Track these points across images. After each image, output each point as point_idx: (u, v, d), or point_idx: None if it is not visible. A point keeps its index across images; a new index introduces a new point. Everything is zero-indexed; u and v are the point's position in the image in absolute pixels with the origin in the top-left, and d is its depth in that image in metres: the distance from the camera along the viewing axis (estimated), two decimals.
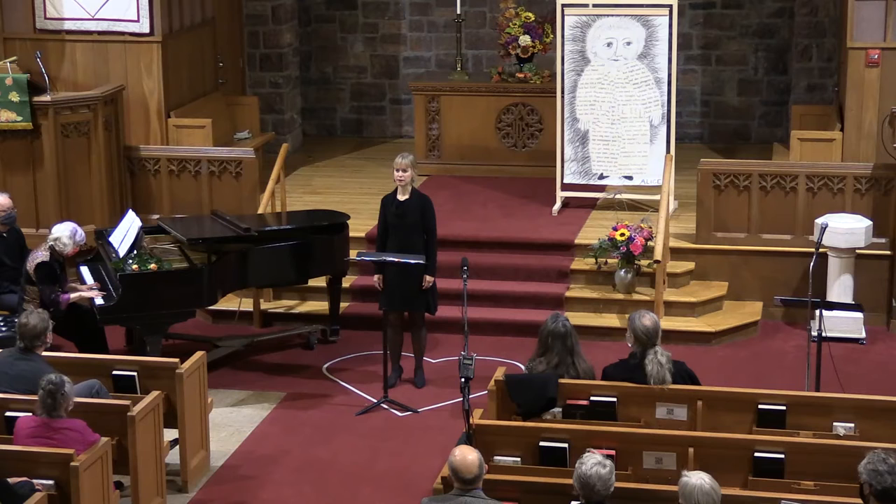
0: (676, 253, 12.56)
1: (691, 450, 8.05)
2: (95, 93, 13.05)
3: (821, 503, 7.47)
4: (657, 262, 11.80)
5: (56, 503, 7.90)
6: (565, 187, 13.67)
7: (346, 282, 12.27)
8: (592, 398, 8.72)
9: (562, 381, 8.72)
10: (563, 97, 13.49)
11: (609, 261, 12.23)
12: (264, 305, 12.50)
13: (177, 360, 9.40)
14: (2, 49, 13.46)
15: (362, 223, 12.78)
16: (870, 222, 11.96)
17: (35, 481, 7.81)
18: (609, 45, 13.33)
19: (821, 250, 10.80)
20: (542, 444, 8.22)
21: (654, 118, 13.33)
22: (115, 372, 9.42)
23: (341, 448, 10.06)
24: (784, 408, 8.57)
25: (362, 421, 10.53)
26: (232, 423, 10.50)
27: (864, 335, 11.89)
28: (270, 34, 16.21)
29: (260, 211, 12.63)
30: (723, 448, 8.07)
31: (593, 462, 6.89)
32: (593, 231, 12.83)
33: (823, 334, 9.76)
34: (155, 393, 9.08)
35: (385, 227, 10.92)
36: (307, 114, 17.07)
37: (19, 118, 12.58)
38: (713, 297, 12.30)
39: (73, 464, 7.87)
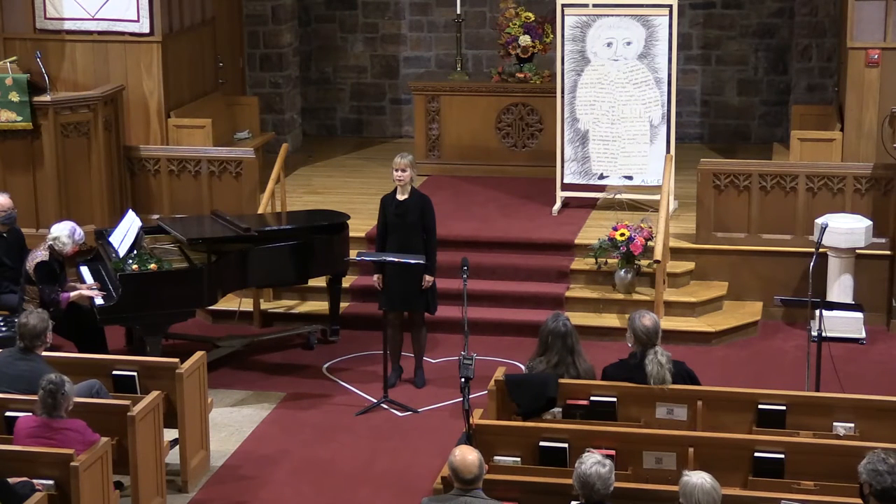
0: (676, 253, 12.56)
1: (691, 450, 8.05)
2: (95, 93, 13.04)
3: (821, 503, 7.47)
4: (657, 262, 11.80)
5: (56, 503, 7.90)
6: (565, 187, 13.67)
7: (346, 282, 12.27)
8: (592, 398, 8.72)
9: (562, 381, 8.72)
10: (563, 97, 13.49)
11: (609, 261, 12.23)
12: (264, 305, 12.50)
13: (177, 360, 9.40)
14: (2, 49, 13.46)
15: (362, 223, 12.78)
16: (870, 222, 11.96)
17: (35, 481, 7.81)
18: (609, 45, 13.33)
19: (821, 250, 10.81)
20: (542, 444, 8.22)
21: (654, 118, 13.33)
22: (115, 372, 9.42)
23: (341, 448, 10.06)
24: (784, 408, 8.57)
25: (362, 421, 10.53)
26: (232, 423, 10.50)
27: (864, 335, 11.89)
28: (270, 34, 16.21)
29: (260, 211, 12.63)
30: (723, 448, 8.07)
31: (593, 461, 6.89)
32: (593, 231, 12.83)
33: (823, 334, 9.77)
34: (155, 393, 9.08)
35: (384, 226, 10.92)
36: (307, 114, 17.07)
37: (19, 118, 12.58)
38: (713, 297, 12.30)
39: (73, 464, 7.87)
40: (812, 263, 10.32)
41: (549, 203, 13.71)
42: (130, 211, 11.77)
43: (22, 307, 10.46)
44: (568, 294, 12.32)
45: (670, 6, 13.13)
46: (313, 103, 17.13)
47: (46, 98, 12.75)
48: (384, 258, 10.70)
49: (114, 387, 9.38)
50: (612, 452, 7.95)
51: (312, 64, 17.08)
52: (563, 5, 13.38)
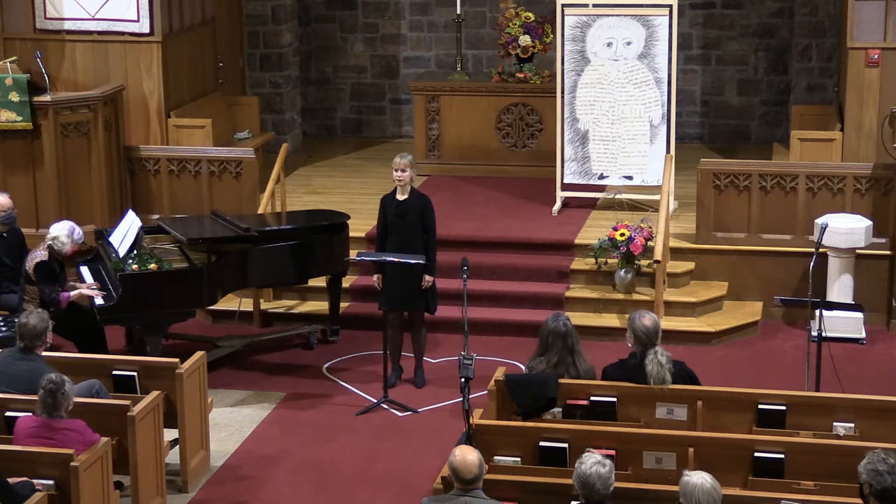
0: (676, 253, 12.56)
1: (691, 450, 8.05)
2: (95, 93, 13.04)
3: (821, 503, 7.47)
4: (657, 262, 11.80)
5: (56, 503, 7.90)
6: (565, 187, 13.67)
7: (346, 282, 12.27)
8: (592, 398, 8.72)
9: (562, 381, 8.72)
10: (563, 97, 13.49)
11: (609, 261, 12.23)
12: (264, 305, 12.50)
13: (177, 360, 9.40)
14: (2, 49, 13.46)
15: (362, 223, 12.78)
16: (870, 222, 11.96)
17: (35, 481, 7.81)
18: (609, 45, 13.33)
19: (821, 250, 10.81)
20: (542, 444, 8.22)
21: (654, 118, 13.33)
22: (115, 372, 9.42)
23: (341, 448, 10.07)
24: (784, 408, 8.57)
25: (362, 421, 10.53)
26: (232, 423, 10.50)
27: (864, 335, 11.89)
28: (270, 34, 16.21)
29: (260, 211, 12.63)
30: (723, 448, 8.08)
31: (593, 461, 6.89)
32: (593, 231, 12.83)
33: (823, 334, 9.76)
34: (155, 393, 9.08)
35: (384, 226, 10.92)
36: (307, 114, 17.07)
37: (19, 118, 12.58)
38: (713, 297, 12.30)
39: (73, 464, 7.87)
40: (812, 263, 10.32)
41: (549, 203, 13.71)
42: (130, 211, 11.77)
43: (22, 307, 10.45)
44: (568, 294, 12.32)
45: (670, 6, 13.13)
46: (313, 103, 17.13)
47: (46, 98, 12.75)
48: (384, 258, 10.70)
49: (114, 387, 9.38)
50: (612, 452, 7.95)
51: (312, 64, 17.08)
52: (563, 5, 13.38)
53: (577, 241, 12.75)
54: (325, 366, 11.58)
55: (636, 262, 12.15)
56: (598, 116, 13.47)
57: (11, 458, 7.95)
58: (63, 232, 10.87)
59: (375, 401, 10.79)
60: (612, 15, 13.31)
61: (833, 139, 12.78)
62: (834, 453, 7.94)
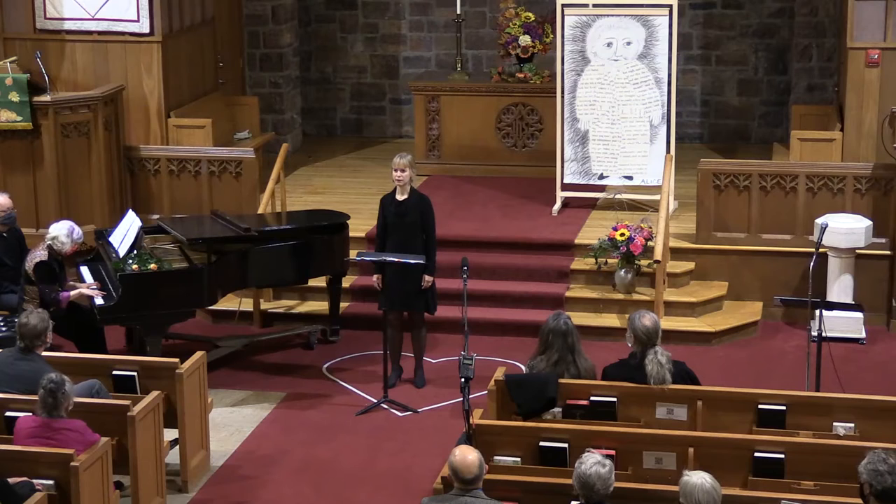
0: (676, 253, 12.56)
1: (691, 450, 8.05)
2: (95, 93, 13.04)
3: (821, 503, 7.47)
4: (657, 262, 11.80)
5: (56, 503, 7.90)
6: (565, 187, 13.67)
7: (346, 282, 12.27)
8: (592, 398, 8.72)
9: (562, 381, 8.72)
10: (563, 97, 13.49)
11: (609, 261, 12.23)
12: (264, 305, 12.50)
13: (177, 360, 9.40)
14: (2, 49, 13.46)
15: (362, 223, 12.78)
16: (870, 222, 11.96)
17: (35, 481, 7.81)
18: (609, 45, 13.33)
19: (821, 250, 10.81)
20: (542, 444, 8.22)
21: (654, 118, 13.33)
22: (115, 372, 9.42)
23: (341, 448, 10.07)
24: (784, 408, 8.57)
25: (362, 421, 10.54)
26: (232, 423, 10.50)
27: (864, 335, 11.89)
28: (270, 34, 16.21)
29: (260, 211, 12.63)
30: (723, 448, 8.08)
31: (593, 462, 6.89)
32: (593, 231, 12.83)
33: (823, 334, 9.76)
34: (155, 393, 9.08)
35: (384, 226, 10.92)
36: (307, 114, 17.07)
37: (19, 118, 12.58)
38: (713, 297, 12.30)
39: (73, 464, 7.87)
40: (812, 263, 10.32)
41: (549, 203, 13.71)
42: (130, 211, 11.77)
43: (22, 307, 10.45)
44: (568, 294, 12.32)
45: (670, 6, 13.13)
46: (313, 103, 17.13)
47: (46, 98, 12.75)
48: (384, 258, 10.70)
49: (114, 387, 9.38)
50: (612, 452, 7.95)
51: (312, 64, 17.08)
52: (563, 5, 13.38)
53: (577, 241, 12.75)
54: (325, 366, 11.58)
55: (636, 262, 12.15)
56: (598, 116, 13.47)
57: (11, 458, 7.95)
58: (62, 231, 10.86)
59: (375, 401, 10.79)
60: (612, 15, 13.31)
61: (833, 139, 12.78)
62: (834, 453, 7.94)
